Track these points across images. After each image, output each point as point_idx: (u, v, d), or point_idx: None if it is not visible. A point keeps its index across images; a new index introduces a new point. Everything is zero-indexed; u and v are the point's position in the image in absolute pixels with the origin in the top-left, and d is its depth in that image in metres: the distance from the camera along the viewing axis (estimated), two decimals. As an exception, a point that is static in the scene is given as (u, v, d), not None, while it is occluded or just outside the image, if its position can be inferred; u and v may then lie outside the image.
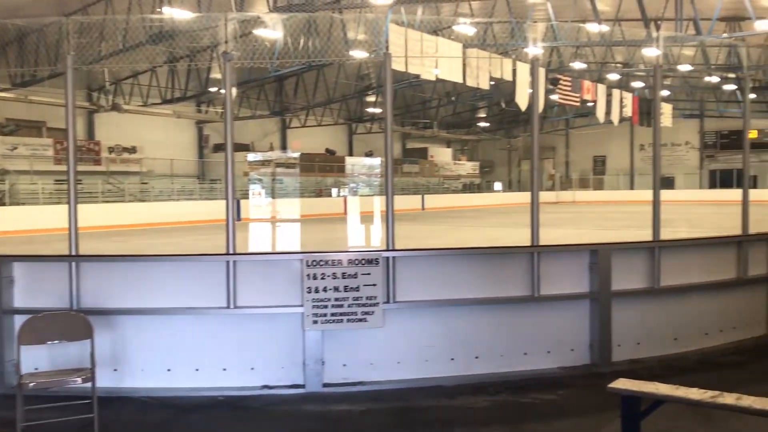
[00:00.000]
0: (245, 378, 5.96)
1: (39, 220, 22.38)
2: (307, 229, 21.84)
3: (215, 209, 30.89)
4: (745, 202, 7.43)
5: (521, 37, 29.64)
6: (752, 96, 45.63)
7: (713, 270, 7.12)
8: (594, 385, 5.90)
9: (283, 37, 26.13)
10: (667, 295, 6.80)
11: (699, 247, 7.21)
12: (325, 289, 5.90)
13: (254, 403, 5.65)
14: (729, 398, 3.94)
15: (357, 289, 5.92)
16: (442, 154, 52.23)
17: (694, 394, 4.08)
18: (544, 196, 52.34)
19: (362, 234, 19.10)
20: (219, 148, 37.70)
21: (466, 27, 24.76)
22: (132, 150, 31.59)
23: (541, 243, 6.46)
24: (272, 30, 19.36)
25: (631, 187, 53.80)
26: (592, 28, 27.63)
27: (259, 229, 22.05)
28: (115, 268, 6.12)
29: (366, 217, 26.55)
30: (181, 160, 34.49)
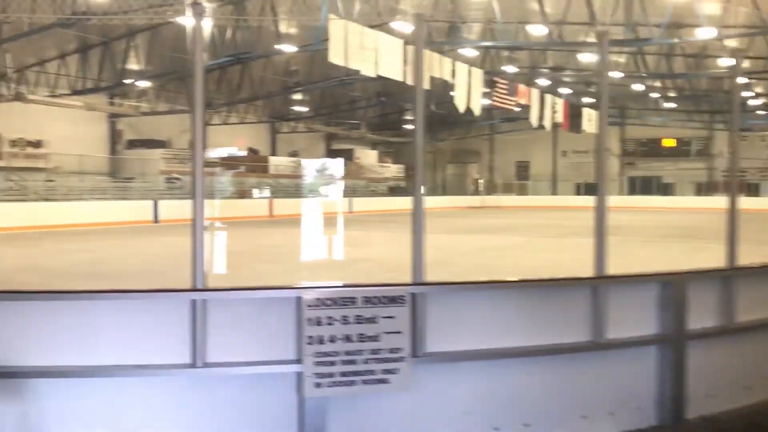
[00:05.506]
0: (216, 462, 4.24)
1: None
2: (235, 234, 19.79)
3: (129, 210, 28.36)
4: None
5: (458, 37, 28.67)
6: (672, 105, 46.58)
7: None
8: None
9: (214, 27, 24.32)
10: (743, 334, 5.52)
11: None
12: (332, 339, 4.26)
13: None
14: None
15: (376, 338, 4.31)
16: (367, 156, 50.85)
17: None
18: (469, 200, 52.10)
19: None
20: (133, 144, 35.02)
21: (404, 24, 23.45)
22: (37, 144, 28.49)
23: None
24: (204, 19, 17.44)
25: (554, 193, 54.35)
26: (533, 30, 26.94)
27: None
28: (27, 310, 4.22)
29: (295, 221, 24.90)
30: (92, 157, 31.50)
